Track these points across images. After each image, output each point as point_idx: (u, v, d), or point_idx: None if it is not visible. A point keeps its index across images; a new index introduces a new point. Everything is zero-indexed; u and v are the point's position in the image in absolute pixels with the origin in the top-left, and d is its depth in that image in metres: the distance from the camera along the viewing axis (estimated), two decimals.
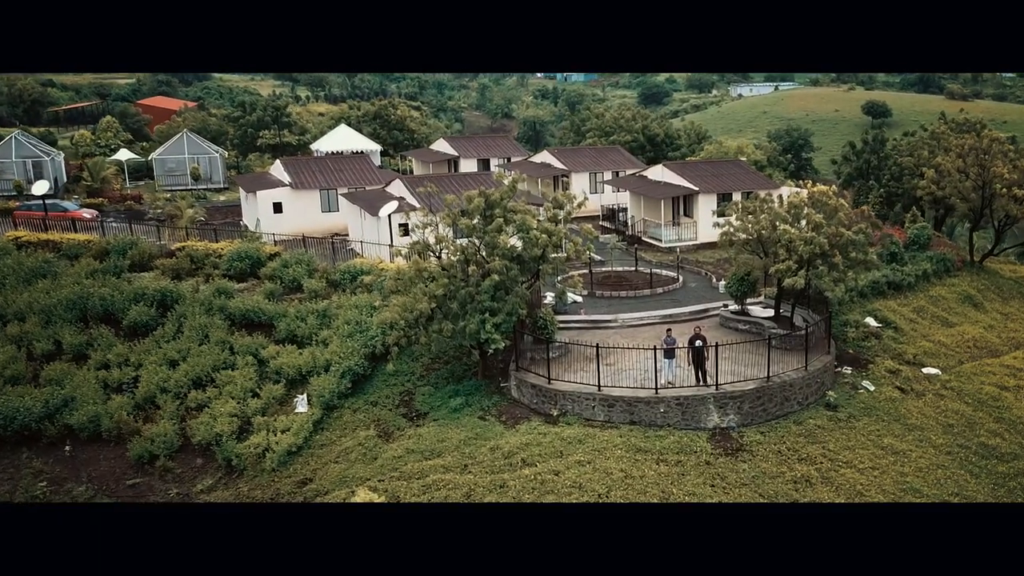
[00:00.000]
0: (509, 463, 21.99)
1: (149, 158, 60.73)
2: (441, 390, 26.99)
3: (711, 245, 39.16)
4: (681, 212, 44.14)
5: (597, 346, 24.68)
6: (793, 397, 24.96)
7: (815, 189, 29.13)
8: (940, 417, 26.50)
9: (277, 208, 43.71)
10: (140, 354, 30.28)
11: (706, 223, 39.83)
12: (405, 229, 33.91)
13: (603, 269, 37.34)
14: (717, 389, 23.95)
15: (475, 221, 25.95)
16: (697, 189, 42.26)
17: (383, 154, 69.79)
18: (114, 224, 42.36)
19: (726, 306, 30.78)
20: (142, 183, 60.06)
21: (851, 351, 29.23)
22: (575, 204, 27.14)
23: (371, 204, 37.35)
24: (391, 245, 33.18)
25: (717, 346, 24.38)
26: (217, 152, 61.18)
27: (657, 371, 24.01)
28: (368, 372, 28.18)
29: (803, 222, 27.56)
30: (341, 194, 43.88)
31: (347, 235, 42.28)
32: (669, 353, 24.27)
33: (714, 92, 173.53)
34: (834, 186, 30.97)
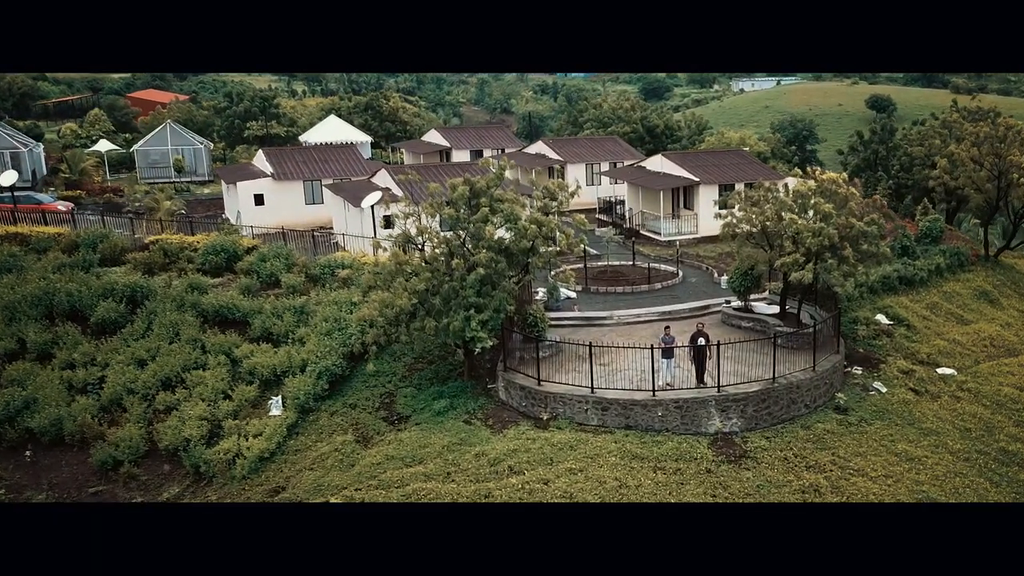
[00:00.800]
0: (495, 471, 20.72)
1: (131, 149, 59.07)
2: (424, 392, 25.52)
3: (712, 238, 37.67)
4: (681, 204, 42.57)
5: (591, 345, 23.38)
6: (800, 399, 23.52)
7: (824, 177, 27.44)
8: (957, 420, 25.07)
9: (259, 200, 42.15)
10: (107, 353, 28.82)
11: (707, 215, 38.27)
12: (388, 221, 32.36)
13: (598, 263, 36.10)
14: (719, 391, 22.54)
15: (460, 211, 24.46)
16: (698, 180, 40.70)
17: (374, 146, 68.23)
18: (90, 217, 40.77)
19: (728, 302, 29.49)
20: (124, 175, 58.46)
21: (861, 350, 27.76)
22: (568, 194, 25.64)
23: (355, 195, 35.76)
24: (374, 237, 31.63)
25: (719, 345, 22.98)
26: (202, 144, 59.53)
27: (655, 372, 22.65)
28: (347, 372, 26.67)
29: (811, 212, 25.99)
30: (325, 185, 42.25)
31: (332, 228, 40.68)
32: (667, 352, 22.94)
33: (715, 87, 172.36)
34: (843, 175, 29.30)
